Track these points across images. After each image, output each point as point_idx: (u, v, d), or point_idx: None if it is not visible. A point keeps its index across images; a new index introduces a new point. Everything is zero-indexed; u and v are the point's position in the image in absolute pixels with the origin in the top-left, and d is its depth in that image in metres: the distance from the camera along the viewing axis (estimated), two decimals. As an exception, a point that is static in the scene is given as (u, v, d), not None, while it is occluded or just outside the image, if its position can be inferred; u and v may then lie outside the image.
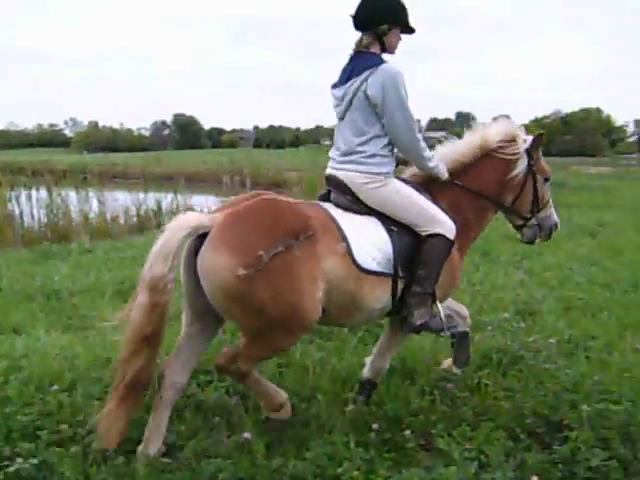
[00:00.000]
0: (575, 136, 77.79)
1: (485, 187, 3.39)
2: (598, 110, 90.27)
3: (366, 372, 3.53)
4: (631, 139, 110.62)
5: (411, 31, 3.15)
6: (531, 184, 3.48)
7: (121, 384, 2.69)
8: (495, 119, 3.54)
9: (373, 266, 2.95)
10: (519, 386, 3.60)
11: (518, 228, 3.69)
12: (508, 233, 7.71)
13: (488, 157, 3.38)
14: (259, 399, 3.16)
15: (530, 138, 3.50)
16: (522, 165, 3.43)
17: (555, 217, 3.69)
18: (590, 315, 5.18)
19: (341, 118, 3.17)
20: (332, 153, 3.24)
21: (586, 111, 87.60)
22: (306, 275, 2.73)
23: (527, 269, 7.00)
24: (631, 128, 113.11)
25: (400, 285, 3.06)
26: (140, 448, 2.85)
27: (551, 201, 3.68)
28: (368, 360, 3.57)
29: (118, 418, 2.69)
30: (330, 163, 3.25)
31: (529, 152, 3.44)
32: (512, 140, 3.40)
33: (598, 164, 44.53)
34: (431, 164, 3.21)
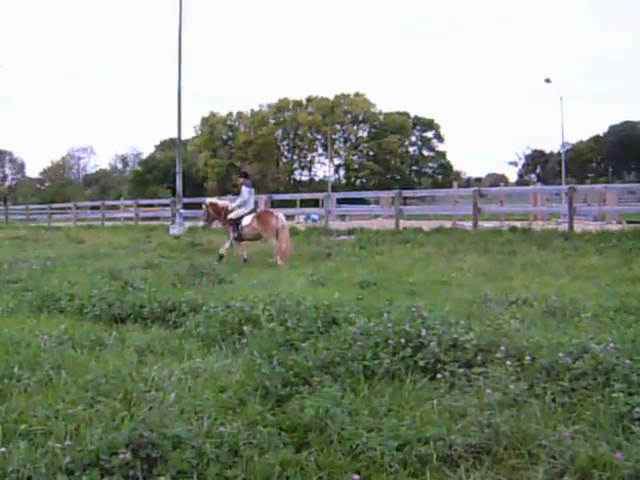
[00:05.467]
0: None
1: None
2: None
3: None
4: None
5: (249, 179, 14.92)
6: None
7: (284, 251, 12.90)
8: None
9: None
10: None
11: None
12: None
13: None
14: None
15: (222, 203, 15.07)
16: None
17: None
18: None
19: (253, 194, 14.48)
20: (251, 204, 14.17)
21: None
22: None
23: None
24: None
25: None
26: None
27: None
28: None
29: (284, 252, 12.87)
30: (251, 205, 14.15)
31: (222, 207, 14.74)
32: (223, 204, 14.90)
33: None
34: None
